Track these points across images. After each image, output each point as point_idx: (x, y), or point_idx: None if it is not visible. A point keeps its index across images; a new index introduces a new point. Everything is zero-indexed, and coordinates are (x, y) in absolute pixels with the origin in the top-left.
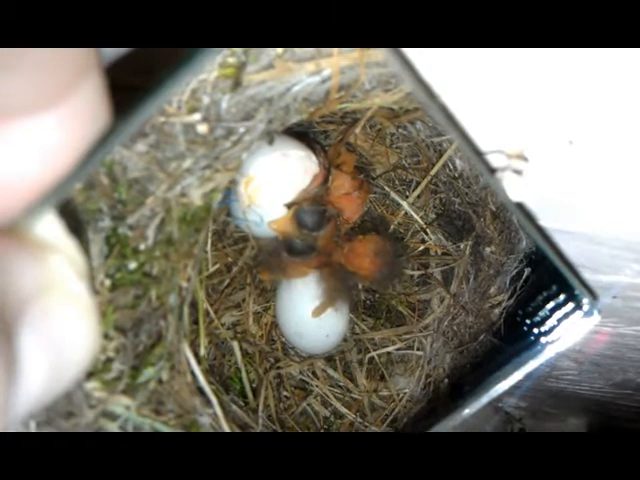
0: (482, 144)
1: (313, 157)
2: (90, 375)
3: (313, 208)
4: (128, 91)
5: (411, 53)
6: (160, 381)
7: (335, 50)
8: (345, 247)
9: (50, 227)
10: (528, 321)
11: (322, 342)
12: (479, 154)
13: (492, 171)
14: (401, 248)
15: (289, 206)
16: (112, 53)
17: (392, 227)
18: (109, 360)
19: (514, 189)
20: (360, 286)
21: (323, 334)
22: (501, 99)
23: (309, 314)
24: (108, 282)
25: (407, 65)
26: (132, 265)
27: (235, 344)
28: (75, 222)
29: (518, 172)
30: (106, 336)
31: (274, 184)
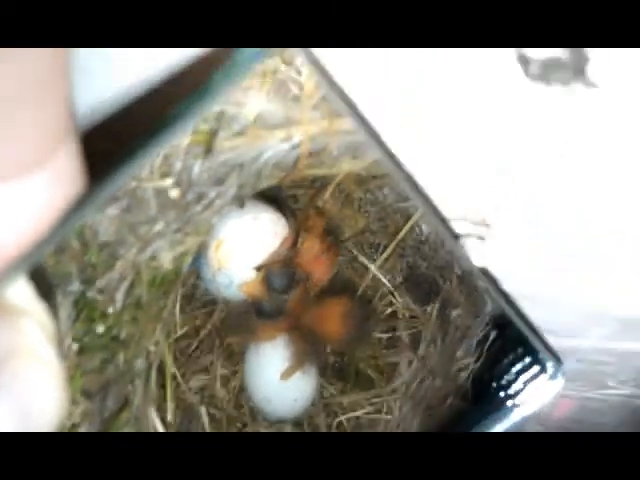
0: (446, 211)
1: (283, 220)
2: None
3: (282, 270)
4: (102, 157)
5: (375, 120)
6: None
7: (305, 118)
8: (314, 310)
9: (21, 292)
10: (495, 384)
11: (290, 406)
12: (443, 221)
13: (456, 237)
14: (369, 311)
15: (259, 269)
16: (87, 120)
17: (360, 290)
18: (75, 425)
19: (477, 254)
20: (329, 349)
21: (291, 398)
22: (465, 166)
23: (277, 378)
24: (75, 346)
25: (373, 135)
26: (100, 329)
27: (202, 409)
28: (45, 286)
29: (481, 238)
30: (73, 401)
31: (244, 247)
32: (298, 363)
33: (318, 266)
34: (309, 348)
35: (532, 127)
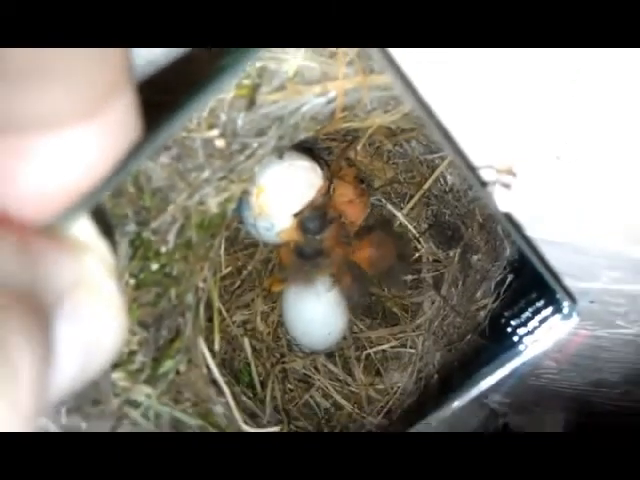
0: (474, 159)
1: (318, 169)
2: (116, 366)
3: (314, 213)
4: (156, 108)
5: (411, 74)
6: (178, 372)
7: (341, 74)
8: (351, 246)
9: (84, 229)
10: (512, 322)
11: (324, 339)
12: (471, 169)
13: (483, 184)
14: (404, 246)
15: (296, 215)
16: (142, 71)
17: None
18: (133, 353)
19: (503, 201)
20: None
21: (325, 332)
22: (492, 117)
23: (313, 313)
24: (132, 281)
25: (409, 87)
26: (154, 266)
27: (245, 340)
28: (105, 226)
29: (507, 186)
30: (130, 331)
31: (283, 194)
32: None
33: (351, 209)
34: (351, 282)
35: (560, 73)
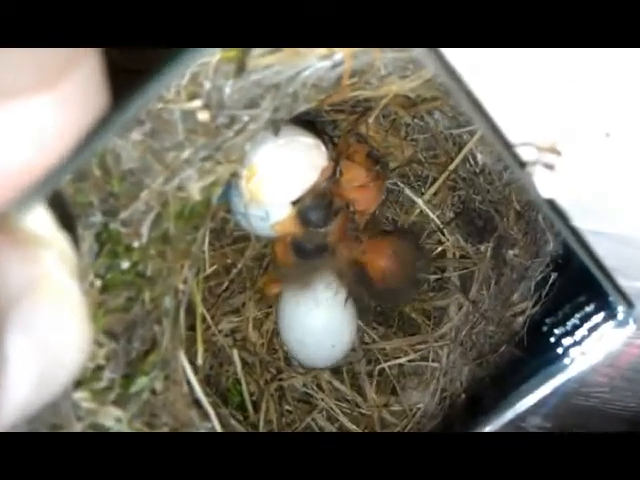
0: (510, 135)
1: (321, 147)
2: (78, 384)
3: (317, 202)
4: (127, 75)
5: None
6: (154, 391)
7: None
8: (361, 244)
9: (40, 220)
10: (555, 331)
11: (327, 352)
12: (507, 146)
13: (521, 165)
14: (420, 250)
15: (295, 203)
16: None
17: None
18: (99, 368)
19: (545, 185)
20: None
21: (329, 344)
22: (532, 85)
23: (314, 321)
24: (98, 282)
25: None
26: (124, 264)
27: (234, 353)
28: (65, 216)
29: (549, 167)
30: (96, 342)
31: (279, 177)
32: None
33: (362, 195)
34: (357, 287)
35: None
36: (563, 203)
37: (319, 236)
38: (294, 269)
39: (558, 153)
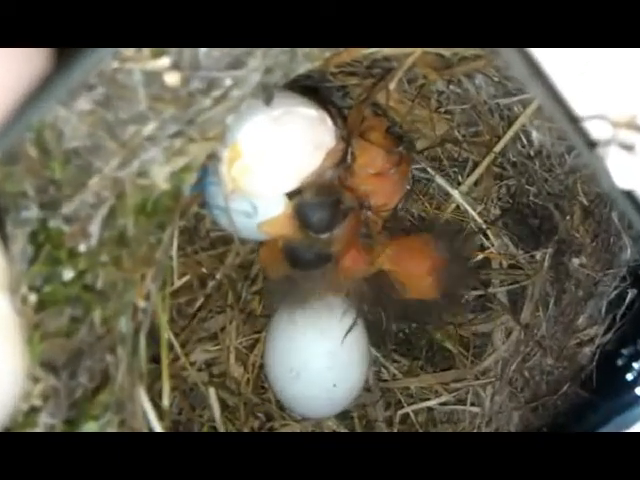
0: (577, 107)
1: (328, 122)
2: (7, 431)
3: (320, 198)
4: None
5: None
6: None
7: None
8: (378, 253)
9: None
10: (634, 365)
11: (327, 395)
12: (573, 120)
13: (591, 145)
14: (462, 257)
15: (292, 195)
16: None
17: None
18: (34, 410)
19: (622, 172)
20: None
21: (329, 382)
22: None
23: (312, 351)
24: (33, 298)
25: None
26: (68, 274)
27: (211, 392)
28: None
29: (628, 147)
30: (30, 376)
31: (270, 161)
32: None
33: (381, 186)
34: (373, 305)
35: None
36: None
37: (321, 243)
38: (287, 283)
39: (639, 130)
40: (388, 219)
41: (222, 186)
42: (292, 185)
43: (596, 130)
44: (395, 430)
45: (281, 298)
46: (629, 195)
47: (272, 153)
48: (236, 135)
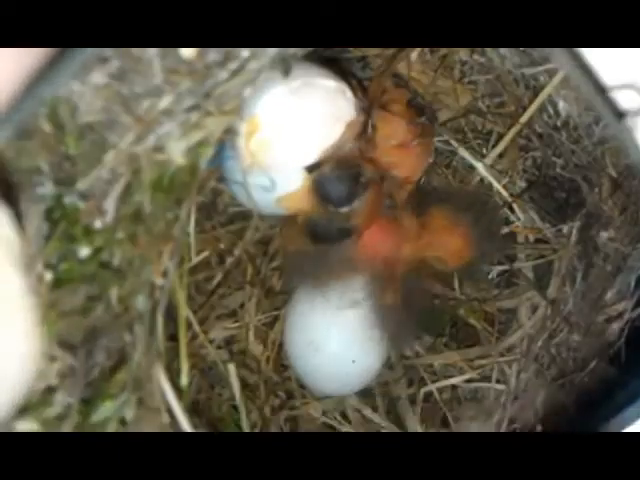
0: (605, 76)
1: (348, 93)
2: (23, 411)
3: (340, 171)
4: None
5: None
6: (123, 421)
7: None
8: (403, 227)
9: None
10: None
11: (346, 371)
12: (600, 90)
13: (620, 116)
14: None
15: (312, 169)
16: None
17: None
18: (50, 389)
19: None
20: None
21: (348, 358)
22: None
23: (331, 327)
24: (49, 276)
25: None
26: (84, 251)
27: (231, 370)
28: (3, 186)
29: None
30: (47, 355)
31: (289, 133)
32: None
33: (404, 158)
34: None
35: None
36: None
37: (341, 217)
38: (308, 259)
39: None
40: (412, 192)
41: (240, 160)
42: (311, 158)
43: (625, 100)
44: (418, 408)
45: (301, 275)
46: None
47: (291, 126)
48: (254, 108)
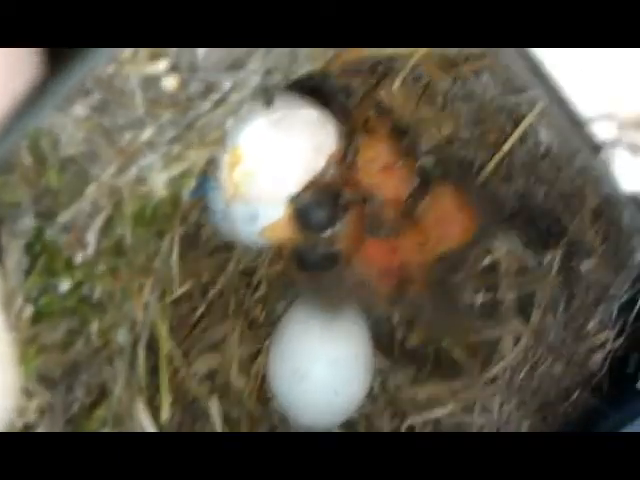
0: (582, 107)
1: (330, 123)
2: None
3: (317, 197)
4: None
5: None
6: None
7: None
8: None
9: None
10: None
11: (328, 402)
12: (576, 121)
13: (596, 147)
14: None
15: (291, 198)
16: None
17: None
18: (28, 427)
19: (628, 174)
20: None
21: (330, 389)
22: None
23: (314, 355)
24: (29, 310)
25: None
26: (64, 285)
27: (213, 404)
28: None
29: (635, 148)
30: (25, 391)
31: (272, 165)
32: None
33: (390, 179)
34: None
35: None
36: None
37: (324, 242)
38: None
39: None
40: (403, 211)
41: (223, 192)
42: (294, 189)
43: (602, 131)
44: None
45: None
46: (635, 199)
47: (273, 157)
48: (236, 139)
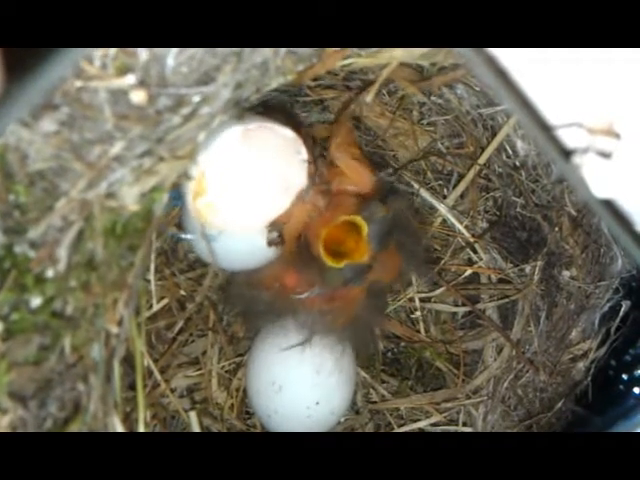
0: (552, 115)
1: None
2: None
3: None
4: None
5: None
6: None
7: None
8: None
9: None
10: (625, 376)
11: (307, 414)
12: (547, 129)
13: (567, 154)
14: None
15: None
16: None
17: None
18: None
19: (600, 181)
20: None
21: (309, 401)
22: (580, 52)
23: (294, 370)
24: (0, 326)
25: None
26: (35, 301)
27: (192, 419)
28: None
29: (605, 155)
30: None
31: (235, 199)
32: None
33: (354, 175)
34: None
35: None
36: (624, 203)
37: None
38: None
39: (616, 136)
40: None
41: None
42: (258, 223)
43: (572, 138)
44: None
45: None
46: (607, 204)
47: (237, 191)
48: (202, 164)
